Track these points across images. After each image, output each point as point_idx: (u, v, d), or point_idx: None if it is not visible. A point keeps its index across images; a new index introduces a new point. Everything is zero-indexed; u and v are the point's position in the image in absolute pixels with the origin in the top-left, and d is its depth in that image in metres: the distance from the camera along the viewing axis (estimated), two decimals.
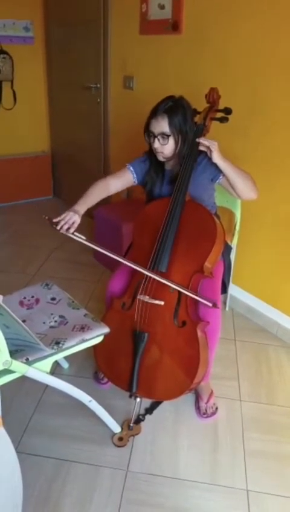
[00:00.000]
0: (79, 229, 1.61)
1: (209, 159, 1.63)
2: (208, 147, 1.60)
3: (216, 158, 1.61)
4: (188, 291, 1.59)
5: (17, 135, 4.09)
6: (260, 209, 2.26)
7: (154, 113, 1.63)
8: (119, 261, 1.63)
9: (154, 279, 1.61)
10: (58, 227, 1.58)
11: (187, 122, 1.64)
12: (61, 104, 3.90)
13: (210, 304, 1.60)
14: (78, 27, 3.34)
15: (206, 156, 1.64)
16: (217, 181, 1.73)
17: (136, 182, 1.83)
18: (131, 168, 1.81)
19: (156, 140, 1.65)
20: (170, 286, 1.60)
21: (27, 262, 3.03)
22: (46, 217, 1.61)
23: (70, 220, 1.60)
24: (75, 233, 1.60)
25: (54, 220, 1.59)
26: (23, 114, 4.02)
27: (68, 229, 1.59)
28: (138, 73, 2.91)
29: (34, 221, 3.79)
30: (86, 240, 1.59)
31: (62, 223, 1.58)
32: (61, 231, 1.59)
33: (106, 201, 3.56)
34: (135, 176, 1.82)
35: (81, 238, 1.58)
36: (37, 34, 3.84)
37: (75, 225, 1.61)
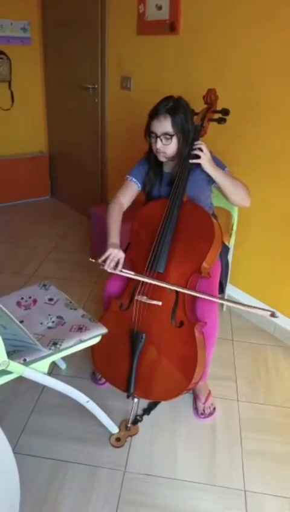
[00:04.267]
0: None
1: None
2: (198, 155, 1.60)
3: (207, 168, 1.62)
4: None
5: (15, 135, 4.09)
6: (257, 209, 2.26)
7: (155, 114, 1.63)
8: None
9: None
10: (105, 267, 1.60)
11: (188, 121, 1.65)
12: (59, 104, 3.90)
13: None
14: (76, 28, 3.34)
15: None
16: (214, 184, 1.74)
17: (141, 188, 1.85)
18: (133, 179, 1.83)
19: (158, 140, 1.65)
20: (167, 287, 1.61)
21: (24, 263, 3.03)
22: (93, 260, 1.63)
23: (115, 257, 1.61)
24: (123, 270, 1.62)
25: (100, 260, 1.61)
26: (21, 114, 4.02)
27: (116, 266, 1.61)
28: (136, 74, 2.92)
29: (32, 222, 3.79)
30: (134, 275, 1.61)
31: (108, 261, 1.60)
32: (109, 270, 1.60)
33: (102, 202, 3.58)
34: (138, 184, 1.83)
35: (130, 274, 1.61)
36: (34, 34, 3.84)
37: (122, 261, 1.63)
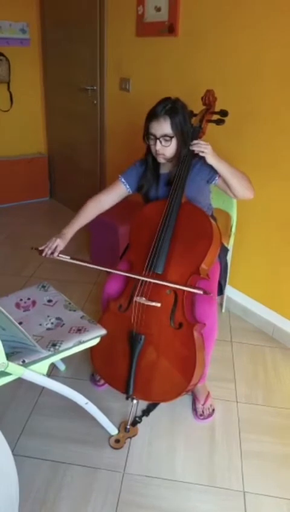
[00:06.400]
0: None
1: (205, 160, 1.63)
2: (201, 151, 1.60)
3: (210, 160, 1.61)
4: (184, 287, 1.59)
5: (14, 137, 4.09)
6: (256, 210, 2.27)
7: (154, 116, 1.62)
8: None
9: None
10: (42, 254, 1.69)
11: (187, 122, 1.65)
12: (58, 105, 3.90)
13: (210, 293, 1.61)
14: (75, 29, 3.35)
15: (201, 157, 1.64)
16: (213, 182, 1.74)
17: (131, 191, 1.85)
18: (123, 180, 1.83)
19: (157, 142, 1.64)
20: (166, 288, 1.61)
21: (23, 264, 3.03)
22: (33, 248, 1.74)
23: (53, 245, 1.69)
24: (60, 255, 1.70)
25: (40, 248, 1.70)
26: (19, 116, 4.03)
27: (52, 253, 1.69)
28: (134, 75, 2.92)
29: (31, 223, 3.79)
30: (71, 259, 1.70)
31: (46, 249, 1.69)
32: (47, 257, 1.69)
33: None
34: (127, 186, 1.83)
35: (65, 258, 1.70)
36: (33, 35, 3.85)
37: (58, 249, 1.70)
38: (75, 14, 3.30)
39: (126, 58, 2.95)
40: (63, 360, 2.02)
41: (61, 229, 1.78)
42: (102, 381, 1.94)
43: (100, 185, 3.53)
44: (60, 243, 1.70)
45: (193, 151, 1.62)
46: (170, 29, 2.50)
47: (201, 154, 1.60)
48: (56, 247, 1.69)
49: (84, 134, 3.58)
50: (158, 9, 2.56)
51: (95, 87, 3.25)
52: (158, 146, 1.65)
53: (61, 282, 2.72)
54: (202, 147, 1.59)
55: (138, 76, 2.90)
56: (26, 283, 2.77)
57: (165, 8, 2.50)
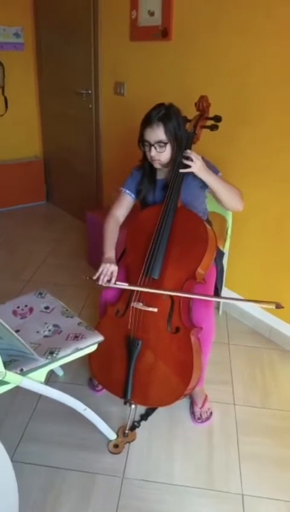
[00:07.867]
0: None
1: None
2: (191, 160, 1.59)
3: (198, 173, 1.61)
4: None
5: (10, 141, 4.09)
6: (251, 214, 2.27)
7: (148, 122, 1.63)
8: None
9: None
10: (99, 282, 1.63)
11: (181, 127, 1.65)
12: (53, 109, 3.91)
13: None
14: (69, 33, 3.35)
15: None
16: (207, 189, 1.75)
17: (135, 199, 1.86)
18: (127, 191, 1.84)
19: (152, 149, 1.65)
20: (163, 294, 1.62)
21: (21, 268, 3.03)
22: (87, 277, 1.67)
23: (108, 271, 1.64)
24: (117, 282, 1.64)
25: (94, 277, 1.64)
26: (15, 120, 4.03)
27: (109, 280, 1.63)
28: (129, 80, 2.93)
29: (28, 227, 3.79)
30: (129, 286, 1.64)
31: (102, 277, 1.63)
32: (104, 284, 1.63)
33: (98, 207, 3.59)
34: (132, 195, 1.84)
35: (123, 286, 1.63)
36: (27, 40, 3.85)
37: (115, 274, 1.65)
38: (69, 18, 3.30)
39: (120, 63, 2.96)
40: (61, 365, 2.02)
41: (58, 233, 1.76)
42: (100, 387, 1.94)
43: (97, 188, 3.54)
44: (114, 268, 1.65)
45: (187, 157, 1.62)
46: (164, 33, 2.51)
47: (187, 170, 1.60)
48: (112, 272, 1.64)
49: (80, 138, 3.58)
50: (152, 14, 2.57)
51: (90, 91, 3.26)
52: (153, 152, 1.66)
53: (58, 287, 2.73)
54: (193, 158, 1.58)
55: (132, 81, 2.90)
56: (24, 287, 2.77)
57: (159, 12, 2.51)
